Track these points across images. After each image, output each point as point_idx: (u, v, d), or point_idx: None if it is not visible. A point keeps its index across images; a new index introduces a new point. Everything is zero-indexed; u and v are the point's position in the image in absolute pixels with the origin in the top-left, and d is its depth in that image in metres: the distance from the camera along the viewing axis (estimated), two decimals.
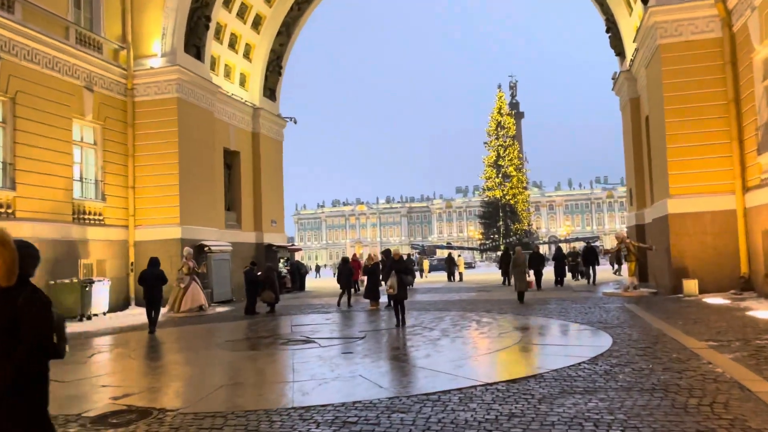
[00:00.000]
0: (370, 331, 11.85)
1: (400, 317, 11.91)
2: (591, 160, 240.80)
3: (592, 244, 29.46)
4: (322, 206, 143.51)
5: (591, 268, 24.52)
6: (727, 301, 15.02)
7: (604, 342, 9.05)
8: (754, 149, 16.33)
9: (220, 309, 19.89)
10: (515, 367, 7.51)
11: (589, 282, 24.18)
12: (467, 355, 8.33)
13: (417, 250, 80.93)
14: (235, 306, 21.04)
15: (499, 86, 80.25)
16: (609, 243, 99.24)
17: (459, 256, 37.85)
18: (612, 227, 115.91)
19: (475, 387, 6.28)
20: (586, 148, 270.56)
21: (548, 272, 24.18)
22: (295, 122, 30.77)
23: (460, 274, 34.58)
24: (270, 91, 29.39)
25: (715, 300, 15.44)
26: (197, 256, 22.00)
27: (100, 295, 18.31)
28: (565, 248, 39.60)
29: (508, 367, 7.64)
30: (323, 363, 8.28)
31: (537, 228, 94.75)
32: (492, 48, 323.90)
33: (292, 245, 31.13)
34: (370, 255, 18.87)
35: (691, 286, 16.84)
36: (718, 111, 17.43)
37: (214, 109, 24.47)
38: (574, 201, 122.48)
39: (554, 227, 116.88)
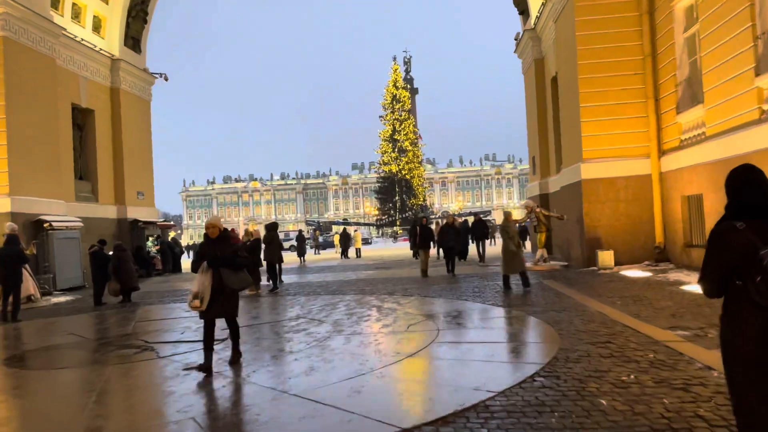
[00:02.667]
0: (240, 327, 8.95)
1: (232, 352, 6.53)
2: (480, 138, 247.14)
3: (483, 218, 26.23)
4: (213, 183, 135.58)
5: (481, 243, 21.65)
6: (647, 274, 13.63)
7: (547, 336, 6.84)
8: (671, 108, 15.05)
9: (60, 299, 16.01)
10: (442, 390, 4.94)
11: (482, 258, 20.92)
12: (368, 367, 5.71)
13: (312, 227, 77.91)
14: (83, 294, 17.22)
15: (394, 58, 78.49)
16: (500, 218, 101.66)
17: (356, 231, 35.43)
18: (500, 203, 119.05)
19: None
20: (475, 126, 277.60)
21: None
22: (166, 79, 26.55)
23: (358, 250, 32.27)
24: (133, 41, 24.96)
25: (634, 273, 14.04)
26: (35, 234, 17.89)
27: None
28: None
29: (432, 390, 5.06)
30: (143, 392, 5.36)
31: (431, 204, 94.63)
32: (388, 21, 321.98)
33: (165, 221, 27.09)
34: (247, 230, 15.79)
35: (606, 257, 15.43)
36: (634, 67, 16.00)
37: (57, 55, 19.98)
38: (465, 177, 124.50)
39: (446, 202, 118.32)
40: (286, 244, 59.32)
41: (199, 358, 6.60)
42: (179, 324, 9.70)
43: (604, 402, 4.30)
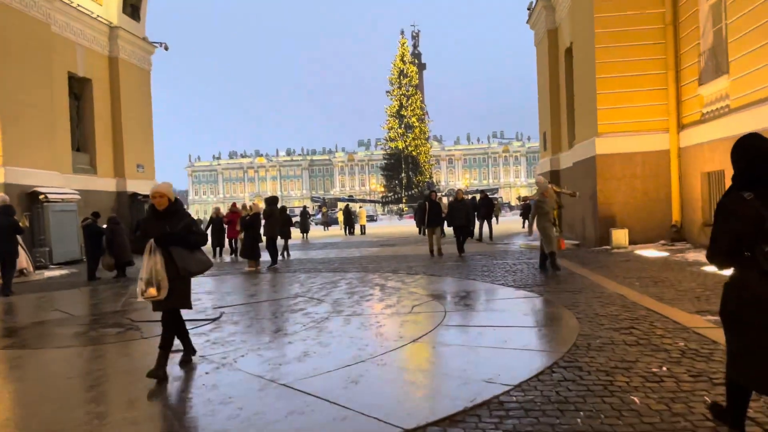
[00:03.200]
0: (234, 305, 8.45)
1: (184, 351, 5.25)
2: (488, 115, 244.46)
3: (490, 196, 24.67)
4: (218, 158, 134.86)
5: (487, 221, 20.73)
6: (664, 254, 13.02)
7: (564, 320, 6.27)
8: (693, 80, 14.28)
9: (54, 273, 15.58)
10: (450, 382, 4.26)
11: (481, 237, 20.07)
12: (368, 353, 5.16)
13: (318, 203, 77.40)
14: (80, 268, 16.78)
15: (402, 32, 77.09)
16: (507, 196, 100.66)
17: (360, 207, 34.85)
18: (507, 180, 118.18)
19: None
20: (482, 103, 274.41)
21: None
22: (167, 48, 25.79)
23: (362, 227, 31.72)
24: (132, 8, 24.17)
25: (650, 252, 13.43)
26: (29, 206, 17.44)
27: None
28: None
29: (438, 381, 4.45)
30: (117, 378, 4.86)
31: (437, 181, 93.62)
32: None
33: None
34: (244, 204, 15.24)
35: (620, 236, 14.81)
36: (654, 36, 15.19)
37: (53, 21, 19.30)
38: (473, 155, 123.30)
39: (453, 180, 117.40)
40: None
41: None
42: None
43: (636, 399, 3.74)
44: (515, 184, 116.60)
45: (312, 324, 6.66)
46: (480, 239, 19.76)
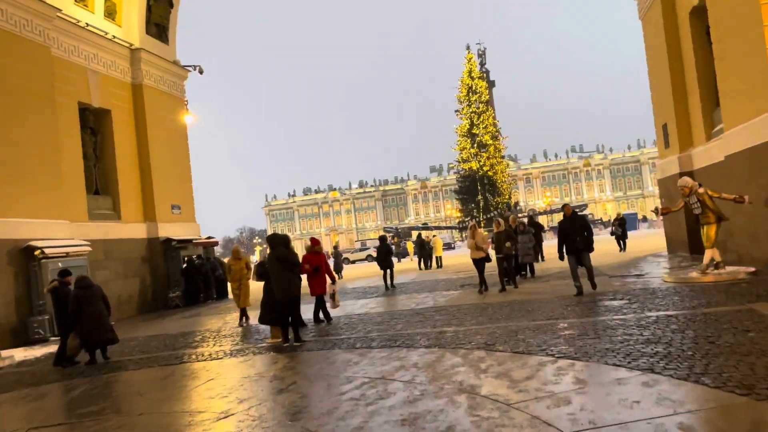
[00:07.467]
0: None
1: None
2: (564, 129, 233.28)
3: (580, 213, 16.86)
4: (293, 195, 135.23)
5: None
6: None
7: None
8: None
9: (34, 352, 12.00)
10: None
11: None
12: None
13: (390, 233, 73.39)
14: None
15: (468, 47, 72.49)
16: (598, 212, 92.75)
17: (434, 236, 30.07)
18: (591, 196, 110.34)
19: None
20: (558, 117, 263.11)
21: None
22: (201, 72, 22.59)
23: (438, 258, 26.98)
24: (158, 28, 21.22)
25: None
26: (25, 264, 14.23)
27: None
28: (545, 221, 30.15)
29: None
30: None
31: (514, 202, 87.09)
32: (460, 14, 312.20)
33: (209, 237, 22.95)
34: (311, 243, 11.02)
35: None
36: None
37: (55, 44, 16.36)
38: (551, 172, 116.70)
39: (532, 200, 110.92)
40: (361, 255, 54.60)
41: None
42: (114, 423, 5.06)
43: None
44: (600, 200, 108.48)
45: None
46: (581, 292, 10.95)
